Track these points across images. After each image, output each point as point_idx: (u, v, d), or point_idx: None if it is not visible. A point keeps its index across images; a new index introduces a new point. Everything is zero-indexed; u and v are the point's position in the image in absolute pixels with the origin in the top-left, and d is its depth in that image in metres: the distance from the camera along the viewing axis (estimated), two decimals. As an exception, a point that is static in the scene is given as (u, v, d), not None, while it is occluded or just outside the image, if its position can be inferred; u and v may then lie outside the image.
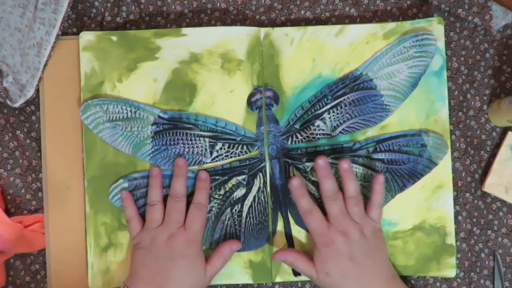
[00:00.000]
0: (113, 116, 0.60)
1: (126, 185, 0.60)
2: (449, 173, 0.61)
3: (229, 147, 0.61)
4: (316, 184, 0.61)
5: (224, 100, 0.61)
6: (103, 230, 0.60)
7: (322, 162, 0.57)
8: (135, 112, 0.60)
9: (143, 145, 0.60)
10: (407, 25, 0.61)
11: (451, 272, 0.61)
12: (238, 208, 0.61)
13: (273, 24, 0.64)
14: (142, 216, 0.60)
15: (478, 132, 0.64)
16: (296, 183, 0.58)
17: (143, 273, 0.56)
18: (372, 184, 0.58)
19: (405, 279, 0.63)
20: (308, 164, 0.61)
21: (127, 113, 0.60)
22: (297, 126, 0.61)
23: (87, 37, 0.60)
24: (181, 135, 0.60)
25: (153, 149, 0.60)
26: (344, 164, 0.57)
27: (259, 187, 0.61)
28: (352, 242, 0.56)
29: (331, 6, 0.64)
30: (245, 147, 0.61)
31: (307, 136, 0.61)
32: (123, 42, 0.60)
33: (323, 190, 0.57)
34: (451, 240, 0.61)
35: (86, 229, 0.60)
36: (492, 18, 0.63)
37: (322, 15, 0.64)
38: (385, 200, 0.61)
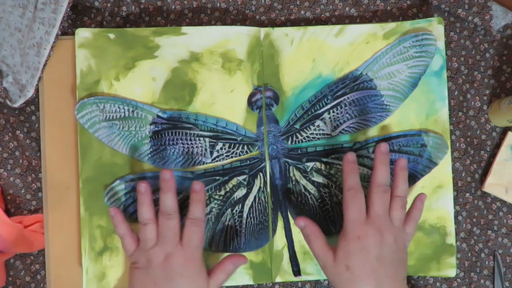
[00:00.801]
0: (109, 115, 0.59)
1: (122, 186, 0.59)
2: (449, 173, 0.61)
3: (229, 147, 0.61)
4: (317, 184, 0.61)
5: (224, 100, 0.61)
6: (98, 233, 0.59)
7: (384, 148, 0.56)
8: (132, 111, 0.60)
9: (141, 145, 0.60)
10: (407, 25, 0.61)
11: (451, 272, 0.61)
12: (238, 208, 0.61)
13: (273, 24, 0.64)
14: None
15: (478, 132, 0.64)
16: (351, 158, 0.56)
17: None
18: (414, 201, 0.57)
19: (405, 279, 0.63)
20: (308, 164, 0.61)
21: (124, 112, 0.60)
22: (297, 126, 0.61)
23: (83, 34, 0.60)
24: (181, 135, 0.60)
25: (151, 150, 0.60)
26: (401, 163, 0.56)
27: (260, 187, 0.61)
28: (384, 244, 0.53)
29: (331, 6, 0.64)
30: (245, 147, 0.61)
31: (307, 136, 0.61)
32: (121, 40, 0.60)
33: (377, 177, 0.55)
34: (451, 240, 0.61)
35: (81, 232, 0.59)
36: (492, 18, 0.63)
37: (322, 15, 0.64)
38: None
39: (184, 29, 0.60)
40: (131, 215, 0.60)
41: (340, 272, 0.53)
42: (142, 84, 0.60)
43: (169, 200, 0.55)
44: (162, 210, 0.55)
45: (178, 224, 0.55)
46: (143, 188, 0.56)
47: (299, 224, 0.56)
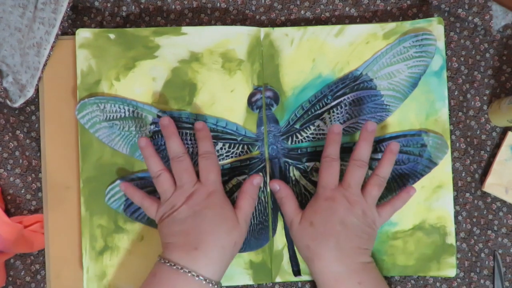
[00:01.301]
0: (110, 116, 0.60)
1: None
2: (449, 173, 0.61)
3: (229, 147, 0.61)
4: (316, 184, 0.61)
5: (224, 100, 0.61)
6: (99, 232, 0.59)
7: (371, 126, 0.56)
8: (133, 111, 0.60)
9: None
10: (407, 25, 0.61)
11: (451, 272, 0.61)
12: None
13: (273, 24, 0.64)
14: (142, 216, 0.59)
15: (478, 132, 0.64)
16: (336, 129, 0.56)
17: (173, 240, 0.53)
18: (401, 191, 0.57)
19: (405, 279, 0.63)
20: (308, 164, 0.61)
21: (124, 112, 0.60)
22: (297, 126, 0.61)
23: (84, 34, 0.60)
24: (181, 135, 0.60)
25: None
26: (393, 147, 0.57)
27: (260, 187, 0.61)
28: (351, 212, 0.54)
29: (331, 6, 0.64)
30: (245, 147, 0.61)
31: (307, 136, 0.61)
32: (121, 40, 0.60)
33: (356, 152, 0.56)
34: (451, 240, 0.61)
35: (82, 232, 0.59)
36: (492, 18, 0.63)
37: (322, 15, 0.64)
38: (385, 200, 0.60)
39: (184, 29, 0.60)
40: (131, 214, 0.60)
41: (304, 227, 0.54)
42: (142, 84, 0.60)
43: (174, 144, 0.55)
44: (171, 155, 0.55)
45: (190, 164, 0.55)
46: (144, 142, 0.55)
47: (274, 187, 0.57)
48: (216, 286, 0.52)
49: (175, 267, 0.51)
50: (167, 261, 0.51)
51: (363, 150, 0.56)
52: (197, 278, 0.51)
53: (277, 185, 0.58)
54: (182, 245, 0.52)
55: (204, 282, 0.51)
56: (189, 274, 0.50)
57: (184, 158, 0.55)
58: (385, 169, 0.56)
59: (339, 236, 0.53)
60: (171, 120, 0.56)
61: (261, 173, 0.61)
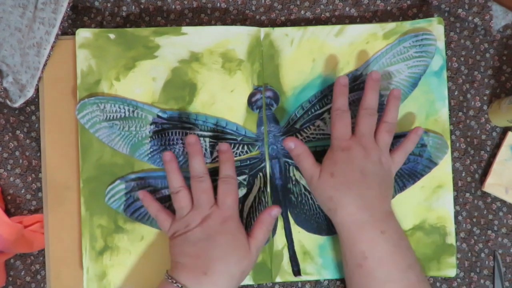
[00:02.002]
0: (110, 115, 0.60)
1: (123, 186, 0.59)
2: (449, 173, 0.61)
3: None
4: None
5: (224, 99, 0.61)
6: (99, 232, 0.59)
7: (375, 75, 0.57)
8: (133, 111, 0.60)
9: (141, 145, 0.60)
10: (407, 25, 0.61)
11: (451, 272, 0.61)
12: (239, 208, 0.60)
13: (273, 24, 0.64)
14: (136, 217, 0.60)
15: (478, 132, 0.64)
16: (343, 81, 0.57)
17: (183, 260, 0.53)
18: (409, 133, 0.58)
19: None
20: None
21: (124, 112, 0.60)
22: (297, 126, 0.61)
23: (84, 34, 0.60)
24: (181, 135, 0.60)
25: (151, 149, 0.60)
26: (395, 92, 0.57)
27: (260, 187, 0.61)
28: (368, 159, 0.54)
29: (331, 6, 0.64)
30: (245, 147, 0.61)
31: (307, 136, 0.61)
32: (121, 40, 0.60)
33: (365, 101, 0.57)
34: (451, 240, 0.61)
35: (82, 232, 0.59)
36: (492, 18, 0.63)
37: (322, 15, 0.64)
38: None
39: (184, 29, 0.60)
40: (131, 214, 0.60)
41: (325, 179, 0.54)
42: (143, 84, 0.60)
43: (197, 163, 0.55)
44: (192, 174, 0.55)
45: (210, 186, 0.55)
46: (169, 156, 0.56)
47: (289, 145, 0.57)
48: None
49: None
50: (174, 281, 0.52)
51: (371, 99, 0.57)
52: None
53: (292, 144, 0.57)
54: (191, 268, 0.52)
55: None
56: None
57: (205, 179, 0.55)
58: (392, 114, 0.57)
59: (360, 185, 0.54)
60: (198, 139, 0.56)
61: (261, 173, 0.61)
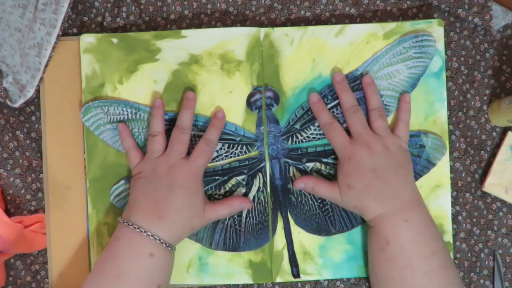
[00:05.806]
0: (113, 118, 0.60)
1: (127, 186, 0.60)
2: (447, 173, 0.61)
3: (228, 147, 0.61)
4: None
5: (223, 100, 0.61)
6: (105, 230, 0.61)
7: (339, 76, 0.59)
8: (135, 113, 0.60)
9: (143, 146, 0.60)
10: (407, 25, 0.61)
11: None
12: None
13: (273, 24, 0.64)
14: None
15: (478, 132, 0.64)
16: (315, 98, 0.59)
17: (142, 202, 0.55)
18: (398, 103, 0.60)
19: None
20: (308, 164, 0.61)
21: (127, 114, 0.60)
22: (297, 126, 0.61)
23: (87, 39, 0.61)
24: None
25: None
26: (367, 79, 0.59)
27: (259, 187, 0.61)
28: (375, 155, 0.56)
29: (331, 6, 0.64)
30: (244, 147, 0.61)
31: (307, 136, 0.61)
32: (124, 44, 0.61)
33: (343, 103, 0.59)
34: (448, 237, 0.61)
35: (89, 229, 0.61)
36: (492, 18, 0.63)
37: (322, 15, 0.64)
38: None
39: (184, 32, 0.61)
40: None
41: (345, 192, 0.56)
42: (144, 86, 0.61)
43: (187, 117, 0.58)
44: (178, 124, 0.58)
45: (188, 140, 0.58)
46: (158, 102, 0.59)
47: (299, 186, 0.59)
48: (172, 249, 0.55)
49: (138, 230, 0.53)
50: (131, 224, 0.54)
51: (348, 98, 0.59)
52: (158, 242, 0.53)
53: (301, 184, 0.59)
54: (149, 211, 0.54)
55: (164, 245, 0.53)
56: (151, 237, 0.53)
57: (187, 132, 0.58)
58: (374, 100, 0.59)
59: (376, 183, 0.55)
60: (195, 96, 0.59)
61: (260, 174, 0.61)
